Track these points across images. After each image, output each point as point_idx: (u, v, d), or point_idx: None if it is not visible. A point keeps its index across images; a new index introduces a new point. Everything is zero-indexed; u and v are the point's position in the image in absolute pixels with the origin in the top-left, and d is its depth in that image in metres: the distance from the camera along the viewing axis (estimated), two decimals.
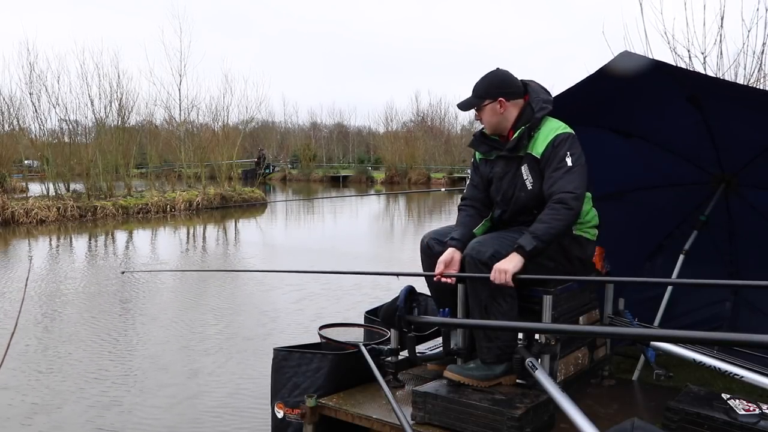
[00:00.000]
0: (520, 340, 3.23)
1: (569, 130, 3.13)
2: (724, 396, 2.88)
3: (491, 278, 2.92)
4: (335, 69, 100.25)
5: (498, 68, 3.30)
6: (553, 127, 3.13)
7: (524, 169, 3.17)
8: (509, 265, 2.90)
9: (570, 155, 3.03)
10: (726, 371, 3.11)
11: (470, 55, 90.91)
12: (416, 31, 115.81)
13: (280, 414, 3.51)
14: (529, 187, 3.16)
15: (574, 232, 3.13)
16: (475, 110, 3.27)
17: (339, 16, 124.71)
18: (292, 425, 3.47)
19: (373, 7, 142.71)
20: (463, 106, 3.30)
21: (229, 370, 5.40)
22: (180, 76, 23.35)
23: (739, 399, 2.83)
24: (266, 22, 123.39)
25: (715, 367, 3.15)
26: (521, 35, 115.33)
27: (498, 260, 2.98)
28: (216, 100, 24.89)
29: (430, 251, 3.32)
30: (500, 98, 3.18)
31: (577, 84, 3.42)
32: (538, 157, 3.11)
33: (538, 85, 3.29)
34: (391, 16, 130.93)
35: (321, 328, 4.00)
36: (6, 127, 22.41)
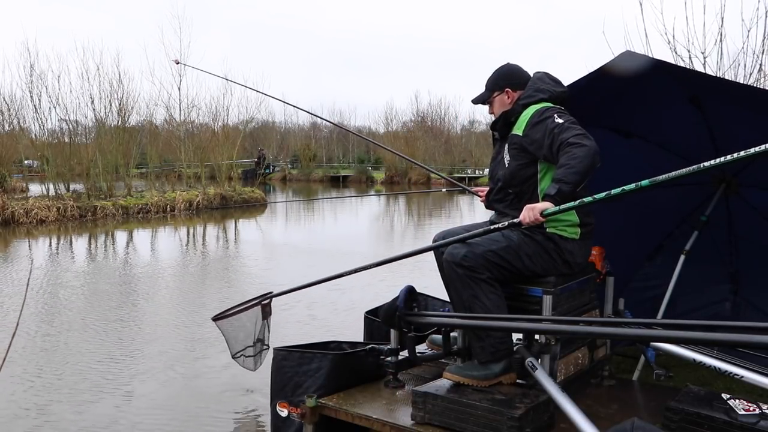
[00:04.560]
0: (519, 340, 3.24)
1: (550, 105, 3.20)
2: (724, 396, 2.88)
3: (521, 219, 2.97)
4: (335, 69, 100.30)
5: (507, 63, 3.48)
6: (534, 107, 3.21)
7: (506, 148, 3.31)
8: (536, 205, 2.95)
9: (558, 116, 3.08)
10: (726, 371, 3.11)
11: (466, 54, 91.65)
12: (414, 30, 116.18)
13: (284, 413, 3.51)
14: (506, 165, 3.29)
15: (547, 230, 3.13)
16: (488, 105, 3.46)
17: (338, 17, 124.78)
18: (296, 424, 3.47)
19: (369, 7, 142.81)
20: (476, 100, 3.51)
21: (230, 370, 5.39)
22: (180, 76, 23.28)
23: (739, 399, 2.84)
24: (265, 21, 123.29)
25: (715, 367, 3.15)
26: (513, 32, 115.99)
27: (472, 259, 3.07)
28: (216, 100, 24.82)
29: (441, 252, 3.35)
30: (507, 89, 3.37)
31: (577, 82, 3.43)
32: (520, 134, 3.20)
33: (546, 75, 3.37)
34: (387, 16, 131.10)
35: (216, 319, 4.02)
36: (6, 127, 22.43)
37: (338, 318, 7.07)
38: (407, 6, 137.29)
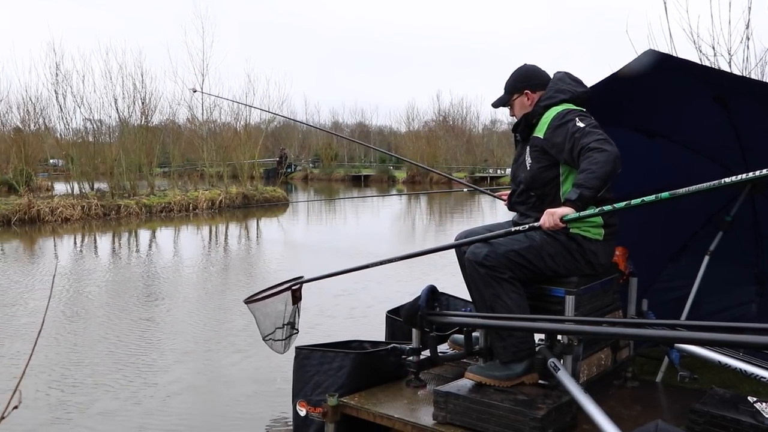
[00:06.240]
0: (541, 340, 3.23)
1: (572, 107, 3.18)
2: (751, 399, 2.84)
3: (541, 223, 2.95)
4: (355, 68, 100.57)
5: (525, 64, 3.45)
6: (555, 109, 3.19)
7: (527, 150, 3.29)
8: (557, 210, 2.92)
9: (579, 120, 3.06)
10: (752, 374, 3.07)
11: (479, 52, 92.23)
12: (423, 29, 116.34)
13: (302, 412, 3.52)
14: (528, 168, 3.27)
15: (570, 230, 3.10)
16: (509, 108, 3.44)
17: (360, 17, 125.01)
18: (315, 424, 3.48)
19: (390, 8, 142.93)
20: (496, 103, 3.50)
21: (255, 368, 5.42)
22: (202, 75, 23.45)
23: (766, 402, 2.80)
24: (284, 22, 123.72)
25: (740, 369, 3.11)
26: (525, 30, 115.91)
27: (494, 258, 3.07)
28: (238, 100, 24.95)
29: (462, 252, 3.34)
30: (526, 90, 3.34)
31: (600, 82, 3.41)
32: (542, 137, 3.19)
33: (567, 75, 3.35)
34: (409, 15, 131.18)
35: (247, 302, 4.03)
36: (32, 126, 22.73)
37: (340, 324, 7.07)
38: (411, 4, 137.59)
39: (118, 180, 20.08)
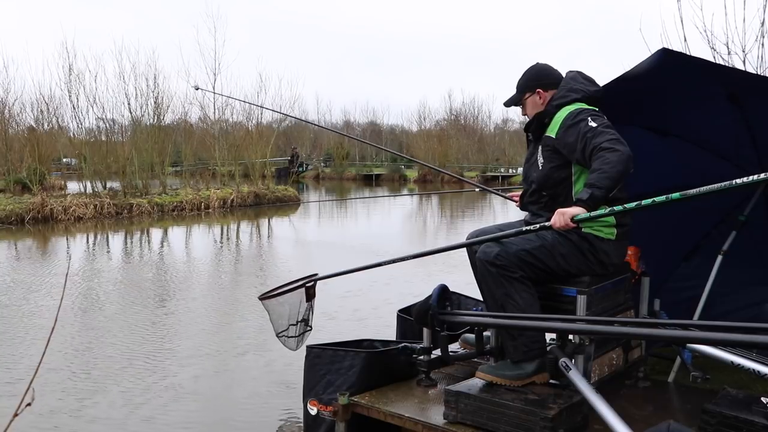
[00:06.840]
0: (553, 339, 3.22)
1: (584, 106, 3.16)
2: (764, 399, 2.82)
3: (552, 223, 2.93)
4: (366, 68, 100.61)
5: (537, 62, 3.45)
6: (568, 109, 3.17)
7: (540, 150, 3.28)
8: (567, 210, 2.90)
9: (591, 119, 3.04)
10: (765, 374, 3.06)
11: (490, 51, 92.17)
12: (446, 28, 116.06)
13: (313, 411, 3.53)
14: (540, 168, 3.26)
15: (582, 230, 3.09)
16: (521, 107, 3.44)
17: (370, 16, 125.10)
18: (326, 422, 3.48)
19: (401, 7, 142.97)
20: (508, 102, 3.50)
21: (267, 367, 5.43)
22: (214, 74, 23.53)
23: None
24: (292, 20, 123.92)
25: (754, 369, 3.10)
26: (535, 28, 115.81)
27: (505, 257, 3.07)
28: (250, 99, 25.02)
29: (474, 251, 3.34)
30: (538, 89, 3.34)
31: (612, 81, 3.39)
32: (554, 136, 3.17)
33: (579, 74, 3.34)
34: (420, 14, 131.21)
35: (262, 298, 4.03)
36: (46, 125, 22.89)
37: (368, 320, 7.07)
38: (422, 4, 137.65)
39: (131, 179, 20.18)
